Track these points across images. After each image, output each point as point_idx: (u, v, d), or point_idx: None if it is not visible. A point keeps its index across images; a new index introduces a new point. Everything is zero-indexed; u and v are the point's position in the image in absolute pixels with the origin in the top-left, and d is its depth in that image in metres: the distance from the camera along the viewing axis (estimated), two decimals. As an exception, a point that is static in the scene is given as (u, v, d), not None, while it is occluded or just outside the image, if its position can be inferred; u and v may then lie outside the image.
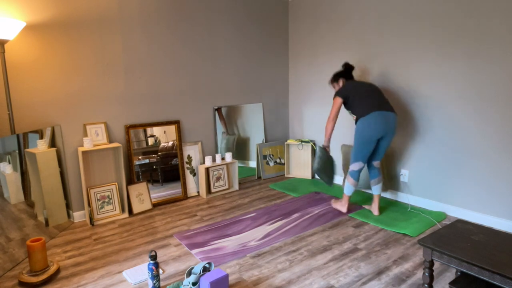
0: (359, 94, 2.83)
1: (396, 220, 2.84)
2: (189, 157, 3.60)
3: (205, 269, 1.91)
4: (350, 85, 2.91)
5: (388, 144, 2.86)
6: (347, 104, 2.92)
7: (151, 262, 1.88)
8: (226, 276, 1.84)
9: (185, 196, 3.50)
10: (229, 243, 2.51)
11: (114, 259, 2.32)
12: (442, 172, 3.00)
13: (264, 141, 4.22)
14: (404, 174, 3.27)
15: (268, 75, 4.22)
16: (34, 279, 2.00)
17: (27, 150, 2.54)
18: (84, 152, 2.93)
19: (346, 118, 3.75)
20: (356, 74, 3.59)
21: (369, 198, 3.39)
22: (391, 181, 3.40)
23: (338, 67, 3.78)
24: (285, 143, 4.22)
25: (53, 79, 2.79)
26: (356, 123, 2.86)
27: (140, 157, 3.26)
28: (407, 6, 3.07)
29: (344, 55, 3.68)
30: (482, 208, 2.78)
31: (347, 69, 3.06)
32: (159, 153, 3.38)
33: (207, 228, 2.78)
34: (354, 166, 2.90)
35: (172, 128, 3.45)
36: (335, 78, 3.09)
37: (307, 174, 4.15)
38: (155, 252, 1.90)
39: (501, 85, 2.58)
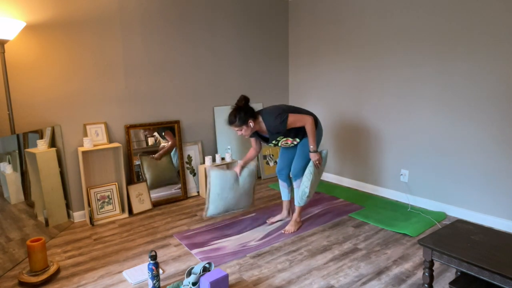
0: (293, 110, 2.59)
1: (396, 220, 2.84)
2: (189, 157, 3.60)
3: (205, 269, 1.91)
4: (279, 109, 2.50)
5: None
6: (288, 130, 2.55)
7: (151, 262, 1.88)
8: (226, 276, 1.84)
9: (185, 196, 3.50)
10: (229, 243, 2.51)
11: (114, 259, 2.32)
12: (442, 172, 3.00)
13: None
14: (404, 174, 3.27)
15: (268, 75, 4.22)
16: (34, 279, 2.00)
17: (27, 150, 2.54)
18: (84, 152, 2.92)
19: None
20: (356, 73, 3.59)
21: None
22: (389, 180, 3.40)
23: (338, 67, 3.77)
24: (285, 143, 4.21)
25: (53, 79, 2.78)
26: (299, 142, 2.66)
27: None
28: (407, 6, 3.07)
29: (344, 55, 3.68)
30: (482, 208, 2.78)
31: (247, 102, 2.46)
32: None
33: (207, 228, 2.78)
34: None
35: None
36: (245, 119, 2.40)
37: (307, 174, 4.15)
38: (155, 252, 1.90)
39: (501, 83, 2.58)
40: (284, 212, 2.92)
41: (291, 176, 2.76)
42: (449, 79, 2.87)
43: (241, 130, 2.45)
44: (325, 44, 3.88)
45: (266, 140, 2.65)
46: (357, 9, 3.49)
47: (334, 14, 3.73)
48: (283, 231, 2.67)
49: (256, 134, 2.66)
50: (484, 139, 2.72)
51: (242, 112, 2.39)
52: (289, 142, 2.66)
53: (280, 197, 3.48)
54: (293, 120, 2.48)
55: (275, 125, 2.46)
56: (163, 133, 3.40)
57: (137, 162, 3.23)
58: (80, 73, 2.91)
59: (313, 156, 2.57)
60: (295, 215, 2.74)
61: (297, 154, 2.69)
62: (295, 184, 2.72)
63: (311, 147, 2.55)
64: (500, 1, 2.51)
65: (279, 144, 2.67)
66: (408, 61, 3.12)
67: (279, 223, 2.84)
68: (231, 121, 2.42)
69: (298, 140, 2.65)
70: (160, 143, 3.39)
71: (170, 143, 3.44)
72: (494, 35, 2.57)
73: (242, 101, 2.43)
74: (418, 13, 2.99)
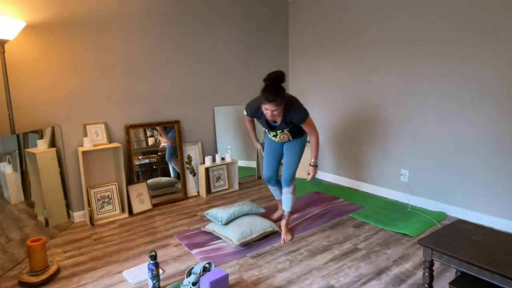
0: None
1: (396, 220, 2.84)
2: (189, 157, 3.60)
3: (205, 269, 1.91)
4: (299, 102, 2.39)
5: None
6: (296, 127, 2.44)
7: (151, 262, 1.88)
8: (226, 276, 1.84)
9: (185, 196, 3.50)
10: (229, 243, 2.51)
11: (114, 259, 2.32)
12: (442, 172, 3.00)
13: (264, 141, 4.21)
14: (404, 174, 3.27)
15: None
16: (34, 279, 2.00)
17: (27, 150, 2.54)
18: (84, 152, 2.92)
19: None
20: (356, 72, 3.59)
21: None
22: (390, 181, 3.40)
23: (338, 66, 3.77)
24: (285, 143, 4.21)
25: (53, 79, 2.78)
26: (297, 139, 2.56)
27: (140, 157, 3.26)
28: (406, 6, 3.07)
29: (344, 54, 3.68)
30: (482, 208, 2.78)
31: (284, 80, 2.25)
32: (159, 153, 3.38)
33: (207, 228, 2.78)
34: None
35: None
36: (284, 98, 2.20)
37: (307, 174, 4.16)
38: (155, 252, 1.90)
39: (501, 84, 2.58)
40: (281, 210, 2.95)
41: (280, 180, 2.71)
42: (449, 80, 2.87)
43: (277, 110, 2.17)
44: (325, 43, 3.87)
45: (270, 128, 2.48)
46: (357, 9, 3.49)
47: (333, 14, 3.73)
48: (282, 241, 2.55)
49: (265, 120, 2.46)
50: (484, 139, 2.72)
51: (283, 90, 2.15)
52: (285, 137, 2.53)
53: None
54: (308, 125, 2.36)
55: (293, 116, 2.29)
56: (154, 131, 3.38)
57: (136, 163, 3.23)
58: (80, 73, 2.91)
59: (312, 170, 2.49)
60: (285, 222, 2.60)
61: (287, 159, 2.57)
62: (284, 190, 2.59)
63: (313, 160, 2.48)
64: (500, 2, 2.51)
65: (277, 137, 2.53)
66: (408, 60, 3.12)
67: (279, 223, 2.84)
68: (272, 99, 2.11)
69: (291, 138, 2.54)
70: (160, 143, 3.39)
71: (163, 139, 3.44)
72: (494, 36, 2.57)
73: (282, 76, 2.18)
74: (419, 13, 2.99)
